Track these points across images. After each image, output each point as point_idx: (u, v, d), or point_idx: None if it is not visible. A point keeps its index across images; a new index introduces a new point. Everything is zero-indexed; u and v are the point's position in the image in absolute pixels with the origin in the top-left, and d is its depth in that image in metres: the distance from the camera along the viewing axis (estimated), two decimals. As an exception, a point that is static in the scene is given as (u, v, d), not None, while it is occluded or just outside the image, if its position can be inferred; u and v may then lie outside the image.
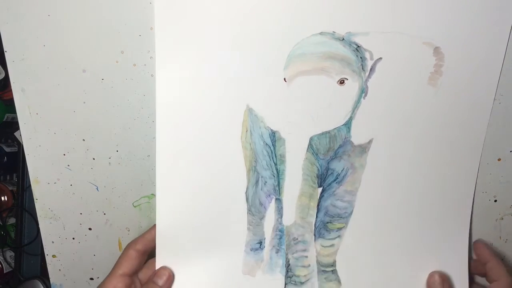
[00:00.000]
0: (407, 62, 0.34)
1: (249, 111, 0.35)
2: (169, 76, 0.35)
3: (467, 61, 0.34)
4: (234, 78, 0.35)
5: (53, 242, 0.45)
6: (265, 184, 0.37)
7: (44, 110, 0.41)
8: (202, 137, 0.36)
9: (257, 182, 0.37)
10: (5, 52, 0.40)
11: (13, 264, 0.57)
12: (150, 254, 0.39)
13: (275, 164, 0.36)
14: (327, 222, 0.37)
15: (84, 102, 0.40)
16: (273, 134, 0.36)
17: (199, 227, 0.37)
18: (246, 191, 0.37)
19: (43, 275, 0.54)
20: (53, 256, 0.45)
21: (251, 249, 0.38)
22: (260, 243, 0.38)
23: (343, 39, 0.33)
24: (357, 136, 0.35)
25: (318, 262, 0.38)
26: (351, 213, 0.37)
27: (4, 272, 0.57)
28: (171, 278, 0.36)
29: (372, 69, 0.34)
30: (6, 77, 0.44)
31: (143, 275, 0.38)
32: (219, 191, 0.37)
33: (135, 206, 0.43)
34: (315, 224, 0.37)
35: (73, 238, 0.44)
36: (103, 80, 0.39)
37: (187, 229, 0.37)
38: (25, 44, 0.39)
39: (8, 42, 0.39)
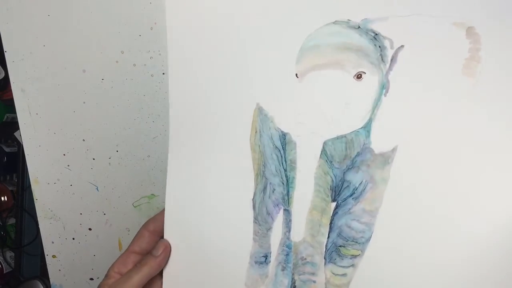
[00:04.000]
0: (435, 48, 0.28)
1: (259, 110, 0.33)
2: (180, 76, 0.34)
3: None
4: (243, 75, 0.33)
5: (53, 242, 0.45)
6: (273, 191, 0.33)
7: (44, 110, 0.41)
8: (212, 136, 0.34)
9: (265, 188, 0.34)
10: (5, 52, 0.40)
11: (13, 264, 0.57)
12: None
13: (285, 171, 0.33)
14: (340, 246, 0.32)
15: (84, 102, 0.40)
16: (284, 136, 0.32)
17: (206, 225, 0.36)
18: (253, 198, 0.34)
19: (43, 275, 0.54)
20: (53, 256, 0.45)
21: (256, 262, 0.35)
22: (266, 256, 0.34)
23: (359, 27, 0.29)
24: (378, 143, 0.30)
25: None
26: (369, 239, 0.31)
27: (4, 272, 0.57)
28: (167, 249, 0.37)
29: (393, 60, 0.29)
30: (6, 77, 0.44)
31: None
32: (225, 194, 0.35)
33: (135, 206, 0.43)
34: (326, 245, 0.33)
35: (73, 238, 0.44)
36: (103, 80, 0.39)
37: (194, 223, 0.36)
38: (25, 44, 0.39)
39: (8, 42, 0.39)
